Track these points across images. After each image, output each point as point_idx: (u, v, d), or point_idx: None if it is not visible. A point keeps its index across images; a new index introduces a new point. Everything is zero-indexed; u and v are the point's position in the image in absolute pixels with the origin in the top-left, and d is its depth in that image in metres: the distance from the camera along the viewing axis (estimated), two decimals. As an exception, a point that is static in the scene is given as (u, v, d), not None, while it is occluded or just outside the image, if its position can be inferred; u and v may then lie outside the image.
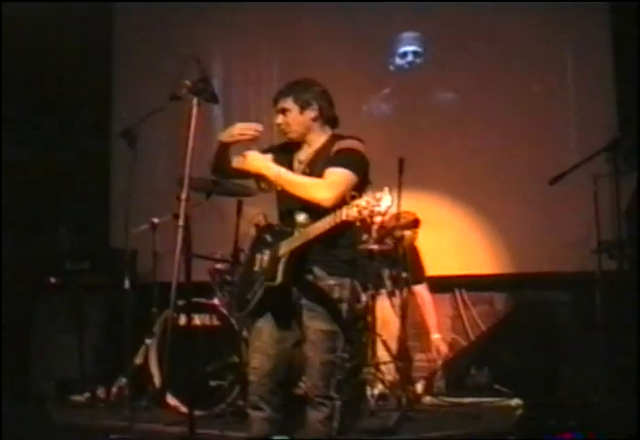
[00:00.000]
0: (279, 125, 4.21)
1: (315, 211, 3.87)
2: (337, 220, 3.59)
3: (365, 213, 3.41)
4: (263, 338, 4.15)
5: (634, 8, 6.70)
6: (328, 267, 4.04)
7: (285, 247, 3.97)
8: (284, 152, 4.27)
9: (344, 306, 4.06)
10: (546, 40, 7.30)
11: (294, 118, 4.17)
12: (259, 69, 8.21)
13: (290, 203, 4.08)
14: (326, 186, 3.90)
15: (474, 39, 7.42)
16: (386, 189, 3.42)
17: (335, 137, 4.16)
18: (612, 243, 5.46)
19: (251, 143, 4.18)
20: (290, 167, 4.16)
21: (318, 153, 4.15)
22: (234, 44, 8.29)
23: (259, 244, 4.25)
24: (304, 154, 4.21)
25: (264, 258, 4.13)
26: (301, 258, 3.98)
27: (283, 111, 4.18)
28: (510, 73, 7.32)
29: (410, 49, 7.65)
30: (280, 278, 3.96)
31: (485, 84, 7.39)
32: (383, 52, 7.76)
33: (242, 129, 4.17)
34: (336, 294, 4.04)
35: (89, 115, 8.33)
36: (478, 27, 7.43)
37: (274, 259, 4.02)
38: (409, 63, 7.67)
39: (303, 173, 4.11)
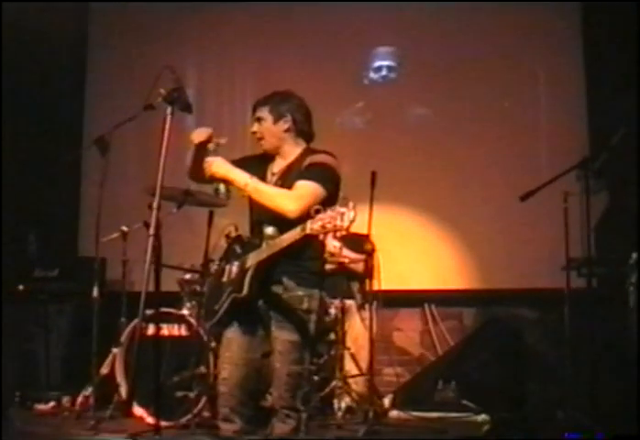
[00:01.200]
0: (253, 133, 4.24)
1: (284, 224, 3.87)
2: (301, 233, 3.63)
3: (329, 226, 3.44)
4: (232, 349, 4.12)
5: (606, 23, 6.79)
6: (297, 278, 4.03)
7: (252, 260, 3.98)
8: (259, 163, 4.27)
9: (312, 317, 4.05)
10: (518, 57, 7.37)
11: (268, 128, 4.19)
12: (233, 80, 8.21)
13: (260, 216, 4.09)
14: (293, 197, 3.91)
15: (447, 54, 7.47)
16: (351, 204, 3.44)
17: (308, 151, 4.17)
18: (580, 260, 5.49)
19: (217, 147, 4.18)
20: (263, 178, 4.16)
21: (291, 166, 4.15)
22: (208, 55, 8.29)
23: (229, 255, 4.26)
24: (278, 166, 4.21)
25: (233, 269, 4.13)
26: (268, 270, 3.98)
27: (259, 120, 4.22)
28: (482, 89, 7.37)
29: (384, 63, 7.68)
30: (246, 289, 3.94)
31: (457, 100, 7.43)
32: (357, 66, 7.78)
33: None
34: (304, 305, 4.02)
35: (61, 122, 8.28)
36: (451, 42, 7.48)
37: (241, 271, 4.02)
38: (383, 77, 7.70)
39: (275, 185, 4.10)
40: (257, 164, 4.26)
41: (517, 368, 6.37)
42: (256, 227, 4.14)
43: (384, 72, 7.69)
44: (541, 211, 6.42)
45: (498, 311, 7.15)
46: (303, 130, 4.23)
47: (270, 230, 3.93)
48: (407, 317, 7.49)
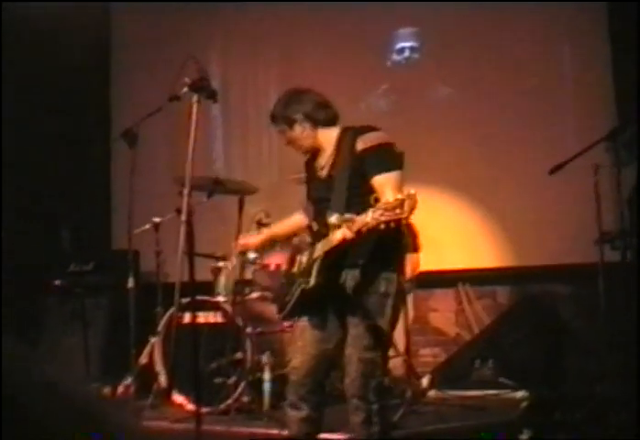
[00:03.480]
0: (287, 145, 4.25)
1: (347, 210, 3.76)
2: (365, 225, 3.49)
3: (390, 216, 3.33)
4: (305, 338, 4.05)
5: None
6: (374, 260, 3.92)
7: (320, 250, 3.87)
8: (310, 165, 4.28)
9: (389, 301, 3.95)
10: (544, 31, 7.31)
11: (291, 137, 4.17)
12: (257, 68, 8.22)
13: (322, 205, 4.04)
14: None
15: (471, 33, 7.43)
16: (411, 190, 3.34)
17: (347, 133, 4.09)
18: (614, 233, 5.45)
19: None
20: (316, 176, 4.17)
21: (336, 154, 4.07)
22: (232, 43, 8.31)
23: (299, 246, 4.21)
24: (323, 159, 4.15)
25: (303, 259, 4.05)
26: (341, 256, 3.85)
27: (281, 133, 4.22)
28: (508, 65, 7.32)
29: (407, 44, 7.66)
30: (313, 280, 3.85)
31: (483, 77, 7.39)
32: (380, 48, 7.76)
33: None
34: (382, 288, 3.93)
35: (89, 117, 8.35)
36: (475, 20, 7.43)
37: (310, 261, 3.93)
38: (406, 59, 7.68)
39: (328, 177, 4.06)
40: (309, 166, 4.28)
41: (554, 344, 6.36)
42: (319, 217, 4.04)
43: (407, 54, 7.68)
44: (572, 185, 6.38)
45: (532, 288, 7.14)
46: (320, 118, 4.14)
47: (333, 219, 3.75)
48: (442, 297, 7.49)
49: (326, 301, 3.99)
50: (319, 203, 4.09)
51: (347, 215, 3.62)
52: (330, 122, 4.18)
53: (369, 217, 3.41)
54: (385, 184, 3.81)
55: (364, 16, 7.71)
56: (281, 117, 4.16)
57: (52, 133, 7.87)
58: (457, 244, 7.35)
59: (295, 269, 4.11)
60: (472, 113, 7.40)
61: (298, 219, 4.43)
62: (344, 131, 4.12)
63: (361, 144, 3.95)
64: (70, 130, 8.06)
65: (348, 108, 7.16)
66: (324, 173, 4.12)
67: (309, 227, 4.21)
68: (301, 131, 4.13)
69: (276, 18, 8.01)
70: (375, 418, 3.88)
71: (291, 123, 4.13)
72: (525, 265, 7.14)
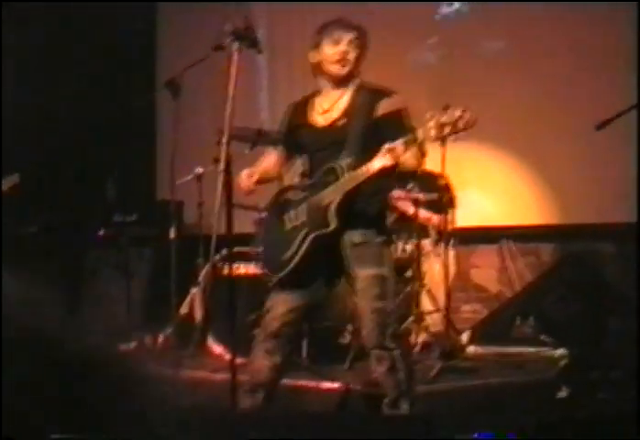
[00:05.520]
0: (345, 53, 4.05)
1: (361, 152, 3.85)
2: (388, 162, 3.69)
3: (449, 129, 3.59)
4: (292, 290, 4.08)
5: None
6: (371, 209, 4.00)
7: (332, 195, 3.88)
8: (301, 110, 4.21)
9: (387, 250, 4.05)
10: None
11: (359, 48, 4.08)
12: (304, 20, 8.13)
13: (325, 155, 4.03)
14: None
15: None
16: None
17: (365, 89, 4.07)
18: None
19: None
20: (313, 123, 4.12)
21: (353, 103, 4.03)
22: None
23: (281, 206, 4.18)
24: (328, 100, 4.11)
25: (297, 214, 4.04)
26: (351, 203, 3.90)
27: (354, 43, 4.06)
28: (557, 19, 7.17)
29: (456, -4, 7.56)
30: (334, 222, 3.86)
31: (531, 31, 7.26)
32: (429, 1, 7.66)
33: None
34: (379, 238, 4.00)
35: (133, 67, 8.35)
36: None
37: (318, 209, 3.92)
38: (455, 12, 7.57)
39: (336, 121, 4.02)
40: (300, 113, 4.19)
41: (596, 303, 6.30)
42: (320, 165, 4.03)
43: (456, 5, 7.56)
44: (617, 143, 6.28)
45: (576, 246, 7.07)
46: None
47: (347, 161, 3.86)
48: (485, 254, 7.45)
49: (333, 250, 3.99)
50: (322, 150, 4.05)
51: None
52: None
53: (420, 134, 3.61)
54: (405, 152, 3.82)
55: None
56: (359, 35, 4.08)
57: (97, 82, 7.89)
58: (501, 200, 7.29)
59: (288, 226, 4.08)
60: (520, 69, 7.28)
61: (269, 165, 4.38)
62: (362, 86, 4.08)
63: (382, 106, 3.98)
64: (114, 80, 8.07)
65: (396, 60, 7.12)
66: (331, 116, 4.07)
67: (283, 190, 4.20)
68: (360, 51, 4.08)
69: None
70: (399, 365, 3.93)
71: (362, 46, 4.08)
72: (570, 222, 7.07)
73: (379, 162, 3.73)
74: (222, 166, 3.86)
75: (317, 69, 4.15)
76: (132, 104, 7.49)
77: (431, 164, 4.95)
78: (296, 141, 4.23)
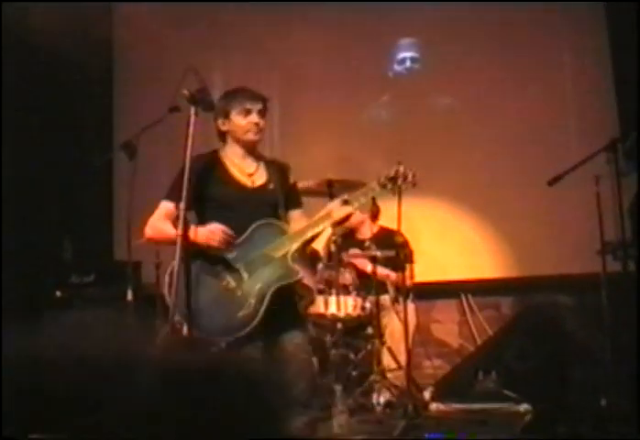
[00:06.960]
0: (257, 124, 4.23)
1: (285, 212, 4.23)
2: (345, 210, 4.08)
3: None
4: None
5: (631, 7, 6.68)
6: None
7: (288, 244, 4.04)
8: (205, 167, 4.30)
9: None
10: (544, 42, 7.29)
11: (263, 119, 4.29)
12: (259, 78, 8.17)
13: (252, 215, 4.17)
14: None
15: (471, 43, 7.40)
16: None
17: (270, 160, 4.43)
18: (615, 244, 5.42)
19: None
20: (229, 179, 4.26)
21: (270, 171, 4.31)
22: (232, 55, 8.27)
23: (209, 270, 4.15)
24: (247, 165, 4.31)
25: (234, 271, 4.07)
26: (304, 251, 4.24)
27: (262, 112, 4.27)
28: (507, 76, 7.31)
29: (407, 55, 7.64)
30: (296, 272, 4.03)
31: (483, 87, 7.37)
32: (381, 60, 7.74)
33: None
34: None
35: (91, 128, 8.32)
36: (474, 30, 7.41)
37: (276, 260, 4.02)
38: (407, 69, 7.66)
39: (266, 185, 4.26)
40: (203, 168, 4.27)
41: (558, 356, 6.29)
42: (241, 227, 4.12)
43: (408, 64, 7.65)
44: (573, 196, 6.36)
45: (535, 298, 7.08)
46: None
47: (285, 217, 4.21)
48: (445, 308, 7.46)
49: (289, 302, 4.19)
50: (252, 209, 4.18)
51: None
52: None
53: (373, 185, 4.13)
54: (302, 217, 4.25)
55: (365, 26, 7.69)
56: (263, 99, 4.30)
57: (54, 143, 7.84)
58: (460, 255, 7.31)
59: (233, 284, 4.06)
60: (473, 123, 7.37)
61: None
62: (262, 157, 4.40)
63: (292, 177, 4.38)
64: (71, 140, 8.03)
65: (350, 118, 7.17)
66: (256, 181, 4.27)
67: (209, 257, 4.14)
68: (265, 119, 4.31)
69: (276, 29, 7.96)
70: None
71: (265, 108, 4.30)
72: (528, 275, 7.11)
73: (342, 211, 4.06)
74: (180, 230, 3.84)
75: (225, 135, 4.34)
76: (90, 165, 7.45)
77: (388, 221, 4.97)
78: (212, 196, 4.27)
